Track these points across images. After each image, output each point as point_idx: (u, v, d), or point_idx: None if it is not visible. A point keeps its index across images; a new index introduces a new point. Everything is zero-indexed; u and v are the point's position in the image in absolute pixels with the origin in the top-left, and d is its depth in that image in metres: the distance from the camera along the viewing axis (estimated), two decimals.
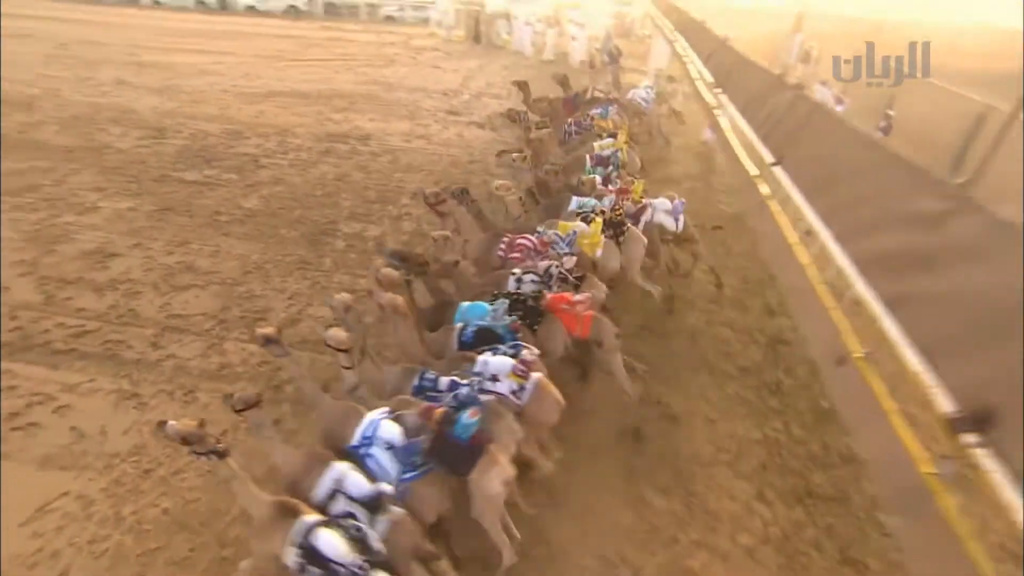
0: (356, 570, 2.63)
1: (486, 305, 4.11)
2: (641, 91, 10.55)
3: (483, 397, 3.42)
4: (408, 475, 3.10)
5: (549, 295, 4.31)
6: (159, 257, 6.62)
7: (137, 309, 5.70)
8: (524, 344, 3.78)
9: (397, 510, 2.95)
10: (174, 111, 11.92)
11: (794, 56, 11.01)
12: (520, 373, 3.55)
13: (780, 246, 4.64)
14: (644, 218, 5.76)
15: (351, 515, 2.89)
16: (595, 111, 8.74)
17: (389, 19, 26.84)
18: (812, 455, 4.38)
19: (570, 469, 4.13)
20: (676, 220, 5.84)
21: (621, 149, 7.22)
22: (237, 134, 10.79)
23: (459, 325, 4.04)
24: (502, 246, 5.09)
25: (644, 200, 5.93)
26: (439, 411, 3.19)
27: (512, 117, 8.07)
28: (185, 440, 2.88)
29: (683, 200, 5.96)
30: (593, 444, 4.39)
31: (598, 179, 6.47)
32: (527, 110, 8.33)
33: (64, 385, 4.77)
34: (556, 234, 5.10)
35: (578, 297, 4.24)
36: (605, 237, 5.21)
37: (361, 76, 15.79)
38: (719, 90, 8.70)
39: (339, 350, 3.49)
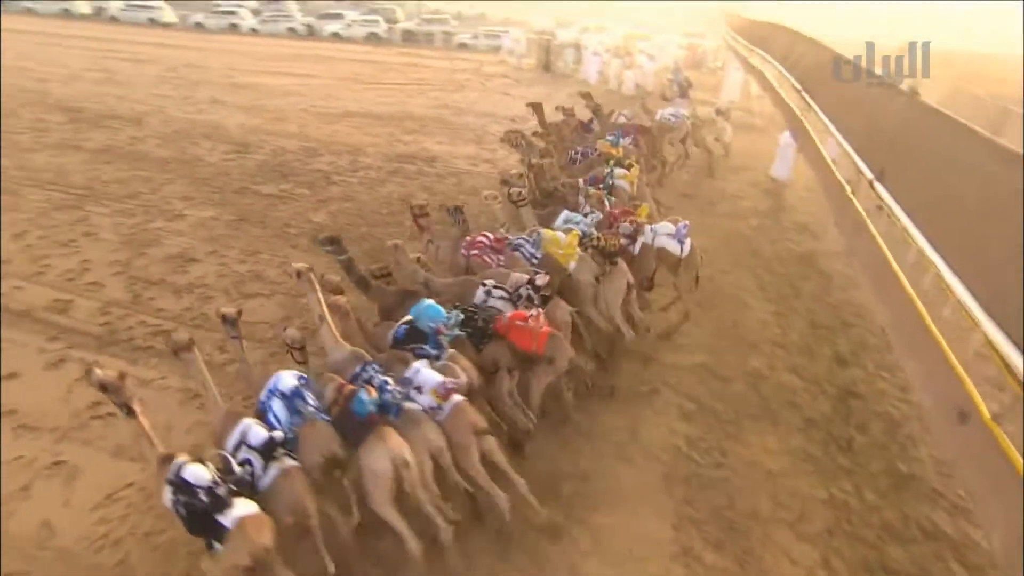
0: (211, 485, 2.85)
1: (443, 311, 4.13)
2: (670, 109, 10.59)
3: (407, 405, 3.50)
4: (296, 421, 3.32)
5: (507, 315, 4.31)
6: (232, 264, 6.99)
7: (208, 313, 6.00)
8: (452, 355, 3.89)
9: (288, 461, 3.17)
10: (258, 128, 12.78)
11: None
12: (441, 393, 3.57)
13: (880, 273, 4.09)
14: (640, 240, 5.60)
15: (248, 461, 3.11)
16: (608, 138, 8.53)
17: (463, 46, 27.89)
18: (887, 525, 3.95)
19: (615, 512, 3.94)
20: (681, 244, 5.58)
21: (632, 182, 7.00)
22: (312, 151, 11.39)
23: (397, 324, 4.14)
24: (464, 245, 5.29)
25: (640, 222, 5.73)
26: (349, 387, 3.43)
27: (511, 141, 8.11)
28: (103, 387, 3.09)
29: (687, 223, 5.65)
30: (641, 487, 4.17)
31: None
32: (521, 134, 8.28)
33: (140, 380, 5.05)
34: (523, 238, 5.23)
35: (532, 312, 4.24)
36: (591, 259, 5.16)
37: (433, 100, 16.37)
38: (806, 94, 8.25)
39: (294, 348, 3.80)
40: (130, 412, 3.11)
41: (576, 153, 8.19)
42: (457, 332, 4.07)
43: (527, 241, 5.22)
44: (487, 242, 5.24)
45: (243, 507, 2.87)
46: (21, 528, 3.73)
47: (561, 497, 4.03)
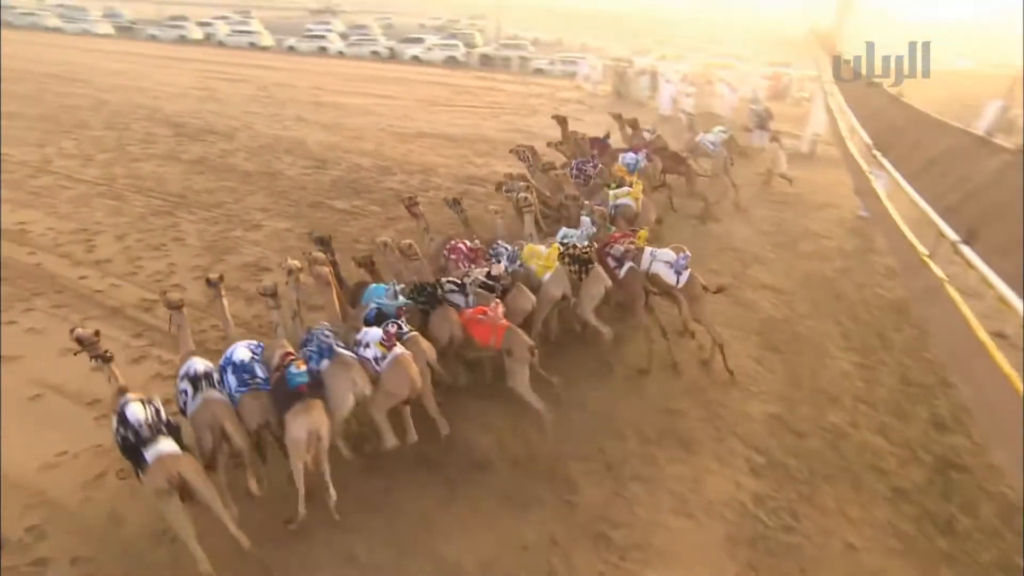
0: (138, 427, 3.40)
1: (383, 286, 4.78)
2: (711, 135, 10.68)
3: (340, 350, 4.01)
4: (241, 388, 3.83)
5: (468, 311, 4.72)
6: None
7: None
8: (414, 336, 4.34)
9: (213, 392, 3.74)
10: (336, 145, 13.50)
11: (987, 125, 9.65)
12: (384, 343, 4.05)
13: (963, 345, 3.75)
14: (629, 263, 5.67)
15: (184, 391, 3.78)
16: (625, 161, 8.57)
17: (539, 72, 28.44)
18: None
19: (670, 570, 3.69)
20: (678, 275, 5.58)
21: (636, 199, 7.12)
22: (386, 170, 11.86)
23: (371, 306, 4.67)
24: (446, 249, 5.78)
25: (638, 246, 5.82)
26: (289, 357, 3.90)
27: (519, 154, 8.52)
28: (79, 342, 3.72)
29: (687, 253, 5.63)
30: (701, 546, 3.89)
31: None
32: (530, 148, 8.73)
33: None
34: (504, 246, 5.74)
35: (490, 308, 4.61)
36: (568, 269, 5.46)
37: (505, 124, 16.70)
38: (878, 153, 7.75)
39: (266, 295, 4.45)
40: (104, 361, 3.73)
41: (573, 170, 8.34)
42: (401, 300, 4.62)
43: (507, 250, 5.67)
44: (464, 250, 5.73)
45: (164, 445, 3.42)
46: (95, 514, 3.98)
47: (612, 546, 3.84)
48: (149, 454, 3.38)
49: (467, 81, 24.65)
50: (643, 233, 6.03)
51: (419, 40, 32.43)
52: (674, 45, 32.85)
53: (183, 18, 36.39)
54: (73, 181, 10.40)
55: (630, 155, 8.69)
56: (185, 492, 3.36)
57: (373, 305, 4.62)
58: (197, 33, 34.95)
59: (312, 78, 23.18)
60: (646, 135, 10.11)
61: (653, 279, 5.66)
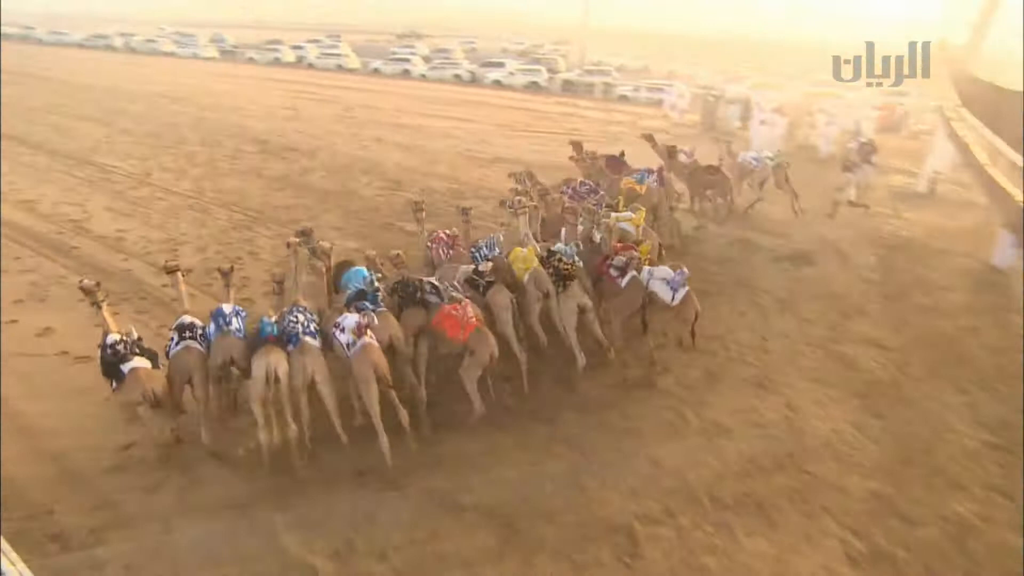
0: (115, 344, 4.41)
1: (365, 272, 5.35)
2: (752, 153, 11.22)
3: (306, 338, 4.62)
4: (215, 332, 4.78)
5: (444, 306, 5.14)
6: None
7: None
8: (384, 313, 5.01)
9: (193, 343, 4.68)
10: (412, 168, 14.09)
11: None
12: (356, 331, 4.60)
13: None
14: (631, 272, 5.98)
15: (172, 339, 4.74)
16: (634, 175, 8.94)
17: (623, 98, 28.50)
18: None
19: None
20: (674, 292, 5.82)
21: (638, 227, 7.31)
22: (459, 193, 12.18)
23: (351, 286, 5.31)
24: (430, 240, 6.54)
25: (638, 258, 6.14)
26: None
27: (516, 178, 9.02)
28: (83, 290, 4.68)
29: (684, 270, 5.89)
30: None
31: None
32: (529, 173, 9.21)
33: None
34: (484, 242, 6.32)
35: (458, 306, 5.07)
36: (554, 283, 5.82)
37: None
38: None
39: (277, 282, 5.23)
40: (99, 306, 4.68)
41: (568, 188, 8.58)
42: (376, 286, 5.18)
43: (483, 244, 6.23)
44: (444, 239, 6.42)
45: (137, 361, 4.37)
46: (151, 521, 4.19)
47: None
48: (125, 367, 4.26)
49: (547, 107, 25.11)
50: (645, 247, 6.39)
51: (500, 65, 33.55)
52: (772, 72, 31.93)
53: (278, 42, 39.91)
54: (167, 193, 11.49)
55: (637, 173, 9.08)
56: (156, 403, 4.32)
57: (353, 287, 5.27)
58: (290, 56, 38.15)
59: (394, 100, 24.54)
60: (683, 157, 10.38)
61: (652, 298, 5.93)
